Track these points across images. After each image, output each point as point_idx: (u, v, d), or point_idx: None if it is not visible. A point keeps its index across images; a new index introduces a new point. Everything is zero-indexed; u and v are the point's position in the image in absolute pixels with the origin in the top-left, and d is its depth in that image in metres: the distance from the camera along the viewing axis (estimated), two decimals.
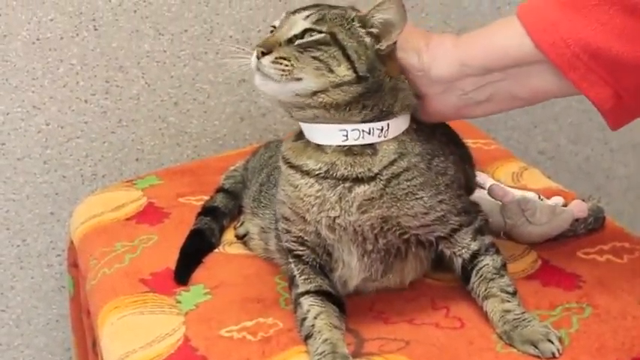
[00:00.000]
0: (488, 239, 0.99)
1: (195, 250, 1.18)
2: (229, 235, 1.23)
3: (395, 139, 0.94)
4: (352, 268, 0.97)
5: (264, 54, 0.89)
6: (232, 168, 1.34)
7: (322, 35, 0.90)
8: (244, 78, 1.56)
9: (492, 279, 0.96)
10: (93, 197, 1.39)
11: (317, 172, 0.93)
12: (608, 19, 0.84)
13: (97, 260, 1.21)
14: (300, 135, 0.97)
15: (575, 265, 1.05)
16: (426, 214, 0.94)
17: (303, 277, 0.99)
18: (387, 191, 0.92)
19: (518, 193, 1.14)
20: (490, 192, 1.12)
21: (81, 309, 1.33)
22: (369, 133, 0.92)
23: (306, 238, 0.97)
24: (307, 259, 0.99)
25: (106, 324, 1.08)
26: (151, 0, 1.48)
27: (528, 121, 1.77)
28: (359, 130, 0.92)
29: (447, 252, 0.98)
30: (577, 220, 1.11)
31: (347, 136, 0.92)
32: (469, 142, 1.37)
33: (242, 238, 1.21)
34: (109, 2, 1.46)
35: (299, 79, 0.90)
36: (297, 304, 0.99)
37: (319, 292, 0.98)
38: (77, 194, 1.53)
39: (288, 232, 0.99)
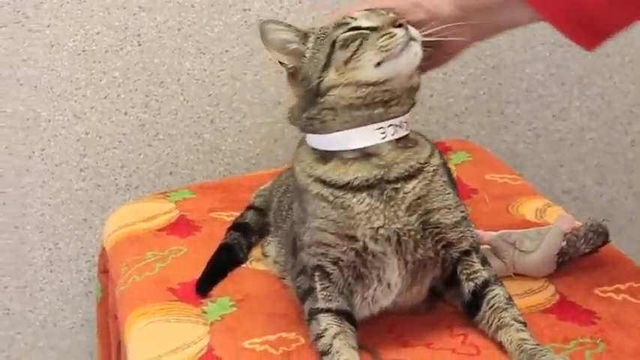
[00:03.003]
0: (493, 271, 1.02)
1: (222, 263, 1.21)
2: (257, 251, 1.26)
3: (415, 134, 1.01)
4: (391, 284, 0.99)
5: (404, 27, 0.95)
6: (262, 188, 1.37)
7: None
8: (280, 100, 1.60)
9: (505, 308, 0.98)
10: (126, 207, 1.43)
11: (371, 182, 0.96)
12: None
13: (127, 267, 1.25)
14: (319, 158, 0.99)
15: (591, 302, 1.08)
16: (454, 209, 0.99)
17: (324, 294, 1.00)
18: (432, 186, 0.97)
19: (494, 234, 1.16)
20: None
21: (107, 314, 1.37)
22: (400, 127, 0.98)
23: (344, 258, 0.98)
24: (335, 279, 1.00)
25: (134, 329, 1.11)
26: (195, 19, 1.53)
27: (555, 159, 1.80)
28: (393, 125, 0.97)
29: (462, 276, 1.01)
30: (575, 236, 1.13)
31: (385, 132, 0.96)
32: (496, 176, 1.42)
33: (268, 256, 1.24)
34: (155, 19, 1.51)
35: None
36: (313, 318, 1.00)
37: (339, 312, 0.99)
38: (110, 203, 1.58)
39: (322, 254, 0.99)
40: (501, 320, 0.98)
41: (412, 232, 0.97)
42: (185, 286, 1.18)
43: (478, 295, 1.00)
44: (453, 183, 1.03)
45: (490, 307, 0.99)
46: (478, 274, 1.00)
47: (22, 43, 1.46)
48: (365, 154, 0.97)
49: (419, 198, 0.97)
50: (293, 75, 1.00)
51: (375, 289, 0.99)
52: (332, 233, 0.97)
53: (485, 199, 1.35)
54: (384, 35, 0.95)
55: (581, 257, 1.14)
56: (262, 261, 1.24)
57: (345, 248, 0.97)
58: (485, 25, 1.05)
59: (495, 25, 1.06)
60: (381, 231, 0.96)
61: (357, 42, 0.96)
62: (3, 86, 1.48)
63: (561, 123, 1.78)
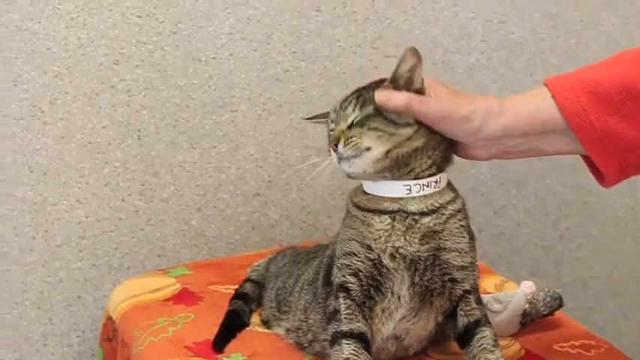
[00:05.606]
0: (485, 310, 1.20)
1: (232, 325, 1.38)
2: (255, 318, 1.43)
3: (446, 188, 1.18)
4: (401, 297, 1.15)
5: (336, 145, 1.13)
6: (256, 264, 1.55)
7: (370, 112, 1.14)
8: (259, 192, 1.80)
9: (492, 351, 1.16)
10: (130, 281, 1.59)
11: (391, 210, 1.14)
12: (629, 112, 1.09)
13: (142, 331, 1.40)
14: (363, 191, 1.19)
15: (552, 355, 1.29)
16: (465, 254, 1.16)
17: (347, 312, 1.16)
18: (447, 226, 1.15)
19: None
20: None
21: None
22: (427, 186, 1.15)
23: (362, 269, 1.15)
24: (355, 295, 1.16)
25: None
26: (188, 118, 1.72)
27: (495, 252, 2.02)
28: (420, 185, 1.15)
29: (460, 311, 1.18)
30: (536, 299, 1.35)
31: (410, 189, 1.15)
32: None
33: (266, 323, 1.41)
34: (154, 117, 1.70)
35: (369, 149, 1.13)
36: (336, 342, 1.15)
37: (360, 338, 1.15)
38: (103, 282, 1.73)
39: (347, 266, 1.16)
40: None
41: (423, 258, 1.14)
42: (199, 344, 1.34)
43: (469, 331, 1.18)
44: (471, 233, 1.21)
45: (479, 347, 1.16)
46: (473, 312, 1.18)
47: (36, 134, 1.63)
48: None
49: (433, 232, 1.14)
50: None
51: (389, 301, 1.16)
52: (357, 241, 1.16)
53: None
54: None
55: (539, 319, 1.36)
56: (262, 327, 1.41)
57: (363, 256, 1.15)
58: (513, 148, 1.16)
59: (522, 150, 1.16)
60: (401, 250, 1.14)
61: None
62: (16, 172, 1.64)
63: (500, 219, 2.02)
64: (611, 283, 2.14)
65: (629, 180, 1.99)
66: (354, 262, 1.17)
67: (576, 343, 1.32)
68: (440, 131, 1.15)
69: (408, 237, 1.14)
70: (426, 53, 1.82)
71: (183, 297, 1.51)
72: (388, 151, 1.13)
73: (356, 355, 1.15)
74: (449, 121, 1.14)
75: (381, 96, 1.15)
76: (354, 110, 1.16)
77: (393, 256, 1.15)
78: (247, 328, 1.40)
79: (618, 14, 1.99)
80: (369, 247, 1.15)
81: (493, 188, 2.00)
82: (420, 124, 1.15)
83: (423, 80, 1.17)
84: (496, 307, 1.33)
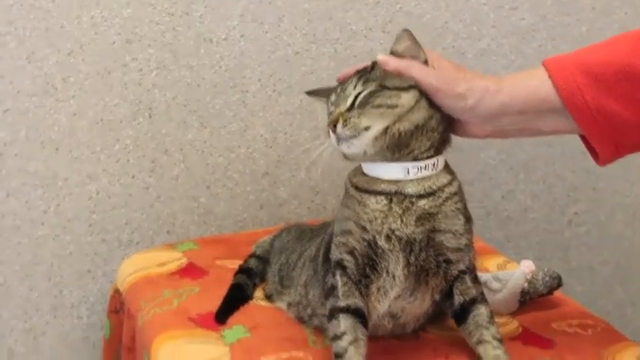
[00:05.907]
0: (481, 288, 1.22)
1: (235, 298, 1.41)
2: (259, 292, 1.46)
3: (443, 170, 1.19)
4: (395, 277, 1.17)
5: (335, 126, 1.15)
6: (261, 240, 1.58)
7: (373, 88, 1.16)
8: (268, 171, 1.82)
9: (487, 327, 1.18)
10: (138, 255, 1.62)
11: (388, 191, 1.16)
12: (624, 93, 1.11)
13: (147, 302, 1.43)
14: (362, 172, 1.20)
15: (549, 332, 1.30)
16: (460, 235, 1.18)
17: (344, 289, 1.17)
18: (443, 209, 1.16)
19: None
20: None
21: (116, 349, 1.55)
22: (425, 168, 1.17)
23: (358, 248, 1.17)
24: (351, 272, 1.17)
25: (161, 349, 1.29)
26: (199, 97, 1.75)
27: (502, 235, 2.04)
28: (418, 167, 1.16)
29: (456, 290, 1.19)
30: (535, 279, 1.36)
31: (408, 172, 1.16)
32: None
33: (269, 298, 1.44)
34: (165, 95, 1.73)
35: (368, 128, 1.14)
36: (333, 317, 1.17)
37: (357, 314, 1.17)
38: (113, 256, 1.76)
39: (343, 244, 1.18)
40: (482, 336, 1.18)
41: (418, 240, 1.15)
42: (202, 316, 1.36)
43: (465, 308, 1.20)
44: (467, 215, 1.22)
45: (475, 323, 1.19)
46: (468, 291, 1.20)
47: (49, 110, 1.67)
48: None
49: (429, 214, 1.16)
50: None
51: (385, 280, 1.18)
52: (353, 221, 1.17)
53: None
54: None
55: (538, 297, 1.38)
56: (265, 301, 1.43)
57: (358, 236, 1.17)
58: (509, 126, 1.18)
59: (519, 129, 1.19)
60: (397, 232, 1.15)
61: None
62: (29, 147, 1.67)
63: (508, 203, 2.03)
64: (618, 269, 2.15)
65: (638, 166, 2.01)
66: (350, 240, 1.19)
67: (574, 322, 1.34)
68: (436, 103, 1.17)
69: (404, 219, 1.16)
70: (436, 38, 1.87)
71: (189, 271, 1.53)
72: (387, 128, 1.15)
73: (352, 330, 1.17)
74: (443, 94, 1.16)
75: (384, 57, 1.18)
76: (355, 87, 1.17)
77: (388, 238, 1.16)
78: (250, 302, 1.42)
79: (631, 2, 1.99)
80: (364, 228, 1.17)
81: (502, 172, 2.01)
82: (420, 94, 1.17)
83: (426, 58, 1.20)
84: (495, 285, 1.35)
